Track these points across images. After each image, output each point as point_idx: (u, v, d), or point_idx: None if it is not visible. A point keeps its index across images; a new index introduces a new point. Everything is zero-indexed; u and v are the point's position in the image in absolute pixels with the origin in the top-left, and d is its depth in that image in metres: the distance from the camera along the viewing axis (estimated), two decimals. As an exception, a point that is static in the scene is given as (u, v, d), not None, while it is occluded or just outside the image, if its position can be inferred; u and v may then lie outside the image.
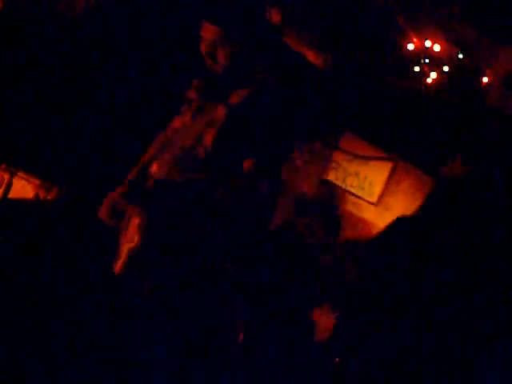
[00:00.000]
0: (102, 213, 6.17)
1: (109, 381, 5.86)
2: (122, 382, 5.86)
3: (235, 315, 6.42)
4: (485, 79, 6.97)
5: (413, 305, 6.47)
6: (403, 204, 7.31)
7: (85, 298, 6.12)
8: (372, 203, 7.42)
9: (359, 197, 7.47)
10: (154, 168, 6.23)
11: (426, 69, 7.20)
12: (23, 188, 6.63)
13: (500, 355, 6.00)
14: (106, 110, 6.91)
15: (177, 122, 6.49)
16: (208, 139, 6.13)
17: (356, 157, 7.41)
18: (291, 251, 6.91)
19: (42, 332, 5.91)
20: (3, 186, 6.61)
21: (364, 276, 6.86)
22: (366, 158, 7.42)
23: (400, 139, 7.29)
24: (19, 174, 6.68)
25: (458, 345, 6.17)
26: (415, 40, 7.12)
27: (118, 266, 6.14)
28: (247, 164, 6.39)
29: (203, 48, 6.68)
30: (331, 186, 7.44)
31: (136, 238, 5.99)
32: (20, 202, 6.64)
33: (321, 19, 7.33)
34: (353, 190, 7.46)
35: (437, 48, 7.10)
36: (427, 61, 7.13)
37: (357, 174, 7.44)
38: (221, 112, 6.29)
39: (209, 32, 6.59)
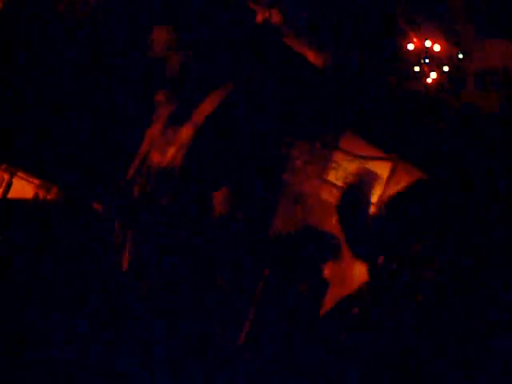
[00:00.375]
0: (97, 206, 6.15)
1: (108, 381, 5.85)
2: (121, 381, 5.85)
3: (236, 316, 6.42)
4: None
5: (413, 304, 6.47)
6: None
7: (85, 298, 6.12)
8: (372, 203, 7.42)
9: (359, 197, 7.48)
10: (138, 185, 6.20)
11: (426, 69, 7.21)
12: (23, 188, 6.62)
13: (500, 355, 6.00)
14: (107, 110, 6.90)
15: (153, 130, 6.42)
16: (177, 160, 6.05)
17: (356, 157, 7.41)
18: (291, 251, 6.91)
19: (41, 332, 5.91)
20: (3, 185, 6.60)
21: (364, 275, 6.87)
22: (366, 158, 7.42)
23: (400, 139, 7.29)
24: (19, 173, 6.66)
25: (458, 344, 6.17)
26: (415, 40, 7.13)
27: (125, 263, 6.15)
28: (218, 196, 6.29)
29: (155, 51, 6.51)
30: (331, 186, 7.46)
31: (132, 245, 5.98)
32: (20, 202, 6.63)
33: (321, 19, 7.33)
34: (353, 190, 7.47)
35: (437, 48, 7.11)
36: (427, 61, 7.14)
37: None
38: (187, 131, 6.18)
39: (161, 33, 6.47)
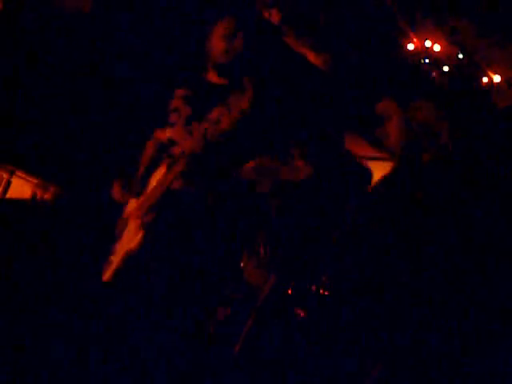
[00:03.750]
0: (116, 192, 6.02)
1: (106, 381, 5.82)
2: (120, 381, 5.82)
3: (236, 316, 6.40)
4: (485, 79, 6.98)
5: (412, 305, 6.45)
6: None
7: (83, 299, 6.10)
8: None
9: (359, 197, 7.46)
10: (157, 175, 6.09)
11: (426, 69, 7.22)
12: (22, 187, 6.61)
13: (500, 356, 5.96)
14: (106, 110, 6.91)
15: (169, 132, 6.35)
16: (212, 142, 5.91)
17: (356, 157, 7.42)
18: (292, 251, 6.90)
19: (38, 332, 5.89)
20: (2, 185, 6.59)
21: (363, 275, 6.84)
22: (366, 158, 7.43)
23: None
24: (18, 172, 6.65)
25: (457, 345, 6.14)
26: (415, 40, 7.14)
27: (109, 273, 6.02)
28: (249, 165, 6.26)
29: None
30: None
31: (135, 242, 5.88)
32: (18, 202, 6.63)
33: (321, 19, 7.35)
34: (353, 190, 7.46)
35: (437, 48, 7.12)
36: (427, 61, 7.15)
37: (357, 174, 7.44)
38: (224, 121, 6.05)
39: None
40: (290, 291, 6.67)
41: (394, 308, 6.51)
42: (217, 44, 5.98)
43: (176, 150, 5.75)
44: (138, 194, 5.84)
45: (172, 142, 5.79)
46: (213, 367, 6.11)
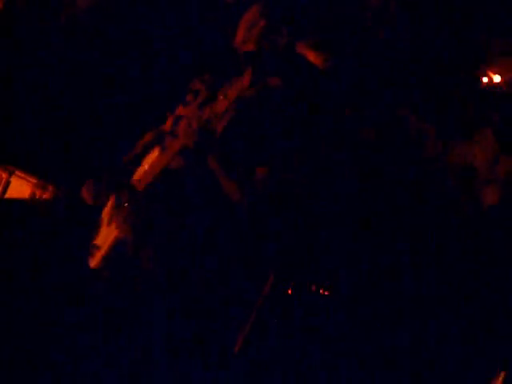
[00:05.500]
0: (85, 194, 6.02)
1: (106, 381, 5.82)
2: (120, 382, 5.82)
3: (236, 317, 6.38)
4: (485, 79, 6.94)
5: (412, 306, 6.42)
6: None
7: (79, 295, 6.10)
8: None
9: (359, 196, 7.44)
10: (154, 153, 6.05)
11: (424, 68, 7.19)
12: (21, 187, 6.62)
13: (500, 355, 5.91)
14: (105, 108, 6.92)
15: (181, 111, 6.31)
16: (218, 128, 5.89)
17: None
18: (292, 251, 6.87)
19: (40, 328, 5.90)
20: (1, 184, 6.61)
21: (363, 277, 6.82)
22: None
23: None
24: (17, 172, 6.68)
25: (455, 344, 6.10)
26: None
27: (96, 260, 6.01)
28: (261, 171, 6.22)
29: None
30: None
31: (121, 230, 5.82)
32: (17, 201, 6.63)
33: (321, 20, 7.32)
34: (353, 190, 7.44)
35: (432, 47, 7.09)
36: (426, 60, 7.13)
37: (357, 174, 7.43)
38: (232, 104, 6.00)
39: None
40: (289, 291, 6.64)
41: (394, 308, 6.48)
42: (240, 32, 5.97)
43: (176, 130, 5.71)
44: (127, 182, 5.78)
45: (173, 124, 5.74)
46: (213, 367, 6.09)
